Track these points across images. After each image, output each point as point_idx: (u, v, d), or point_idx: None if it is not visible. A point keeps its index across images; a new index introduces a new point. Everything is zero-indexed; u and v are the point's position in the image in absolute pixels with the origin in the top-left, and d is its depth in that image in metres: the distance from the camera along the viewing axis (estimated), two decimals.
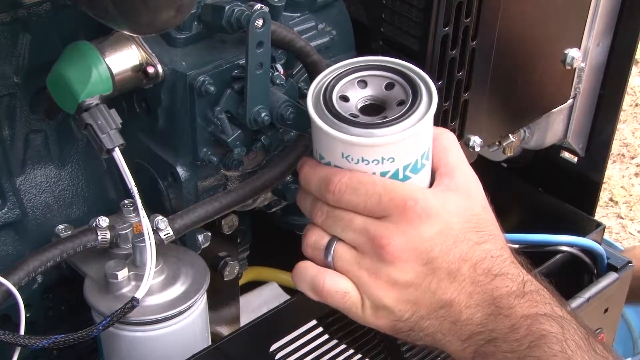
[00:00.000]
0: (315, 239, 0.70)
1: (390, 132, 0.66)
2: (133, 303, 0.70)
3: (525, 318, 0.66)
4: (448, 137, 0.73)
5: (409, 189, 0.68)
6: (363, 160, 0.68)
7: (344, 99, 0.69)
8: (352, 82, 0.70)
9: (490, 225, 0.71)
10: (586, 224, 1.09)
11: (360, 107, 0.69)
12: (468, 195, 0.70)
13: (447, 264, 0.68)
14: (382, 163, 0.68)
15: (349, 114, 0.67)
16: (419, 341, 0.71)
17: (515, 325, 0.67)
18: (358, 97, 0.70)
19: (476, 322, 0.68)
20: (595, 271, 1.03)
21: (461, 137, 0.92)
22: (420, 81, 0.69)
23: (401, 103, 0.69)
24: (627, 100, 2.77)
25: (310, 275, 0.70)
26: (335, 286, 0.69)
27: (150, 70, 0.72)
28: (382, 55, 0.72)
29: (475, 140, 0.93)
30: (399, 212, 0.67)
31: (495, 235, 0.70)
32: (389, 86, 0.70)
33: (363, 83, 0.70)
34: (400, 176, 0.69)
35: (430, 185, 0.71)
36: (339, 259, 0.69)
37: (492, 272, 0.68)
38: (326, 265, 0.70)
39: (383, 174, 0.68)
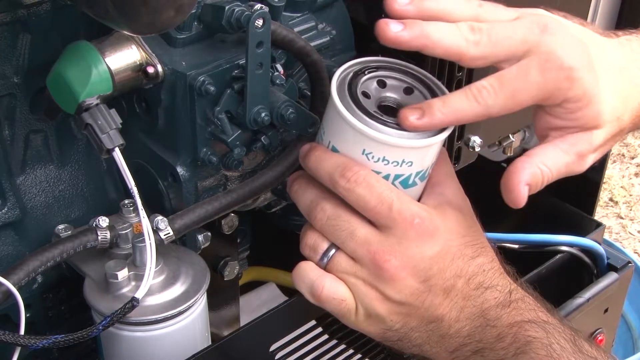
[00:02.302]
0: (315, 240, 0.70)
1: (420, 137, 0.67)
2: (133, 303, 0.70)
3: (511, 326, 0.67)
4: (442, 151, 0.73)
5: (418, 205, 0.68)
6: (384, 159, 0.67)
7: (366, 95, 0.69)
8: (373, 80, 0.70)
9: (481, 236, 0.71)
10: (586, 224, 1.09)
11: (378, 107, 0.69)
12: (461, 207, 0.71)
13: (443, 280, 0.68)
14: (400, 166, 0.68)
15: (373, 111, 0.68)
16: (406, 350, 0.72)
17: (502, 334, 0.67)
18: (377, 96, 0.70)
19: (464, 334, 0.68)
20: (595, 271, 1.03)
21: (461, 137, 0.92)
22: (439, 91, 0.70)
23: None
24: None
25: (311, 278, 0.70)
26: (334, 293, 0.69)
27: (150, 70, 0.72)
28: (383, 55, 0.73)
29: (475, 140, 0.93)
30: (404, 227, 0.67)
31: (486, 247, 0.71)
32: (408, 90, 0.70)
33: (382, 83, 0.70)
34: (410, 181, 0.69)
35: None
36: (335, 265, 0.70)
37: (484, 286, 0.69)
38: (320, 265, 0.70)
39: (397, 177, 0.68)
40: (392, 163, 0.67)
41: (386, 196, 0.67)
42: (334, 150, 0.69)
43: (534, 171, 0.69)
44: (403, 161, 0.68)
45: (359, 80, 0.69)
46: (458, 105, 0.66)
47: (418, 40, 0.66)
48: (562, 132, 0.70)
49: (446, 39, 0.66)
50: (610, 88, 0.69)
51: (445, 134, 0.68)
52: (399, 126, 0.67)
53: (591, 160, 0.71)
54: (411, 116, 0.66)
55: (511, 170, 0.69)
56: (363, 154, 0.67)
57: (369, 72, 0.70)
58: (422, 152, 0.68)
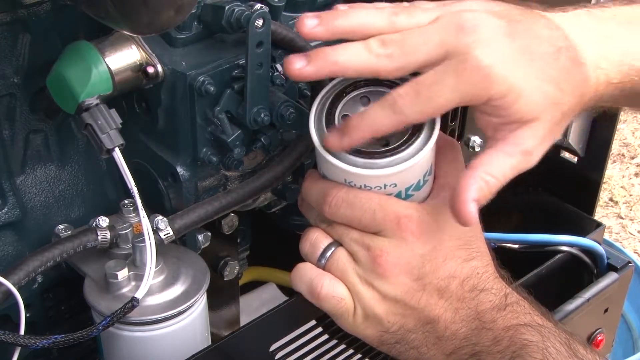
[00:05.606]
0: (317, 236, 0.72)
1: (393, 163, 0.67)
2: (133, 303, 0.70)
3: (507, 329, 0.68)
4: (452, 148, 0.73)
5: (404, 205, 0.69)
6: (366, 186, 0.69)
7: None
8: (355, 99, 0.70)
9: (479, 241, 0.71)
10: (586, 224, 1.09)
11: None
12: None
13: (437, 280, 0.69)
14: (385, 188, 0.69)
15: None
16: (403, 355, 0.72)
17: (498, 337, 0.68)
18: None
19: (460, 336, 0.69)
20: (595, 271, 1.03)
21: (461, 137, 0.92)
22: None
23: None
24: None
25: (309, 277, 0.71)
26: (333, 291, 0.70)
27: (150, 70, 0.72)
28: None
29: (475, 140, 0.93)
30: (393, 228, 0.68)
31: (482, 252, 0.71)
32: None
33: (366, 99, 0.70)
34: (403, 196, 0.69)
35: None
36: (334, 262, 0.70)
37: (478, 288, 0.69)
38: (318, 265, 0.71)
39: (387, 194, 0.69)
40: (375, 188, 0.69)
41: (367, 208, 0.68)
42: (324, 176, 0.71)
43: (479, 185, 0.65)
44: (385, 185, 0.68)
45: (340, 103, 0.69)
46: (375, 118, 0.65)
47: (325, 69, 0.65)
48: (503, 130, 0.67)
49: (354, 60, 0.64)
50: (541, 75, 0.66)
51: (419, 156, 0.67)
52: (374, 155, 0.67)
53: (540, 153, 0.68)
54: (332, 144, 0.66)
55: (456, 189, 0.66)
56: (346, 182, 0.69)
57: (351, 91, 0.70)
58: (402, 174, 0.68)
